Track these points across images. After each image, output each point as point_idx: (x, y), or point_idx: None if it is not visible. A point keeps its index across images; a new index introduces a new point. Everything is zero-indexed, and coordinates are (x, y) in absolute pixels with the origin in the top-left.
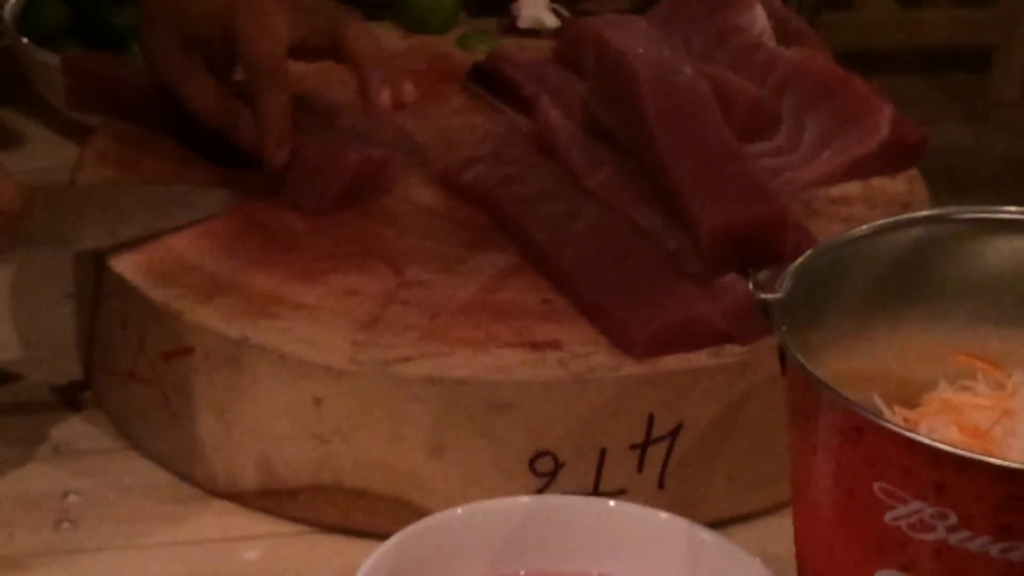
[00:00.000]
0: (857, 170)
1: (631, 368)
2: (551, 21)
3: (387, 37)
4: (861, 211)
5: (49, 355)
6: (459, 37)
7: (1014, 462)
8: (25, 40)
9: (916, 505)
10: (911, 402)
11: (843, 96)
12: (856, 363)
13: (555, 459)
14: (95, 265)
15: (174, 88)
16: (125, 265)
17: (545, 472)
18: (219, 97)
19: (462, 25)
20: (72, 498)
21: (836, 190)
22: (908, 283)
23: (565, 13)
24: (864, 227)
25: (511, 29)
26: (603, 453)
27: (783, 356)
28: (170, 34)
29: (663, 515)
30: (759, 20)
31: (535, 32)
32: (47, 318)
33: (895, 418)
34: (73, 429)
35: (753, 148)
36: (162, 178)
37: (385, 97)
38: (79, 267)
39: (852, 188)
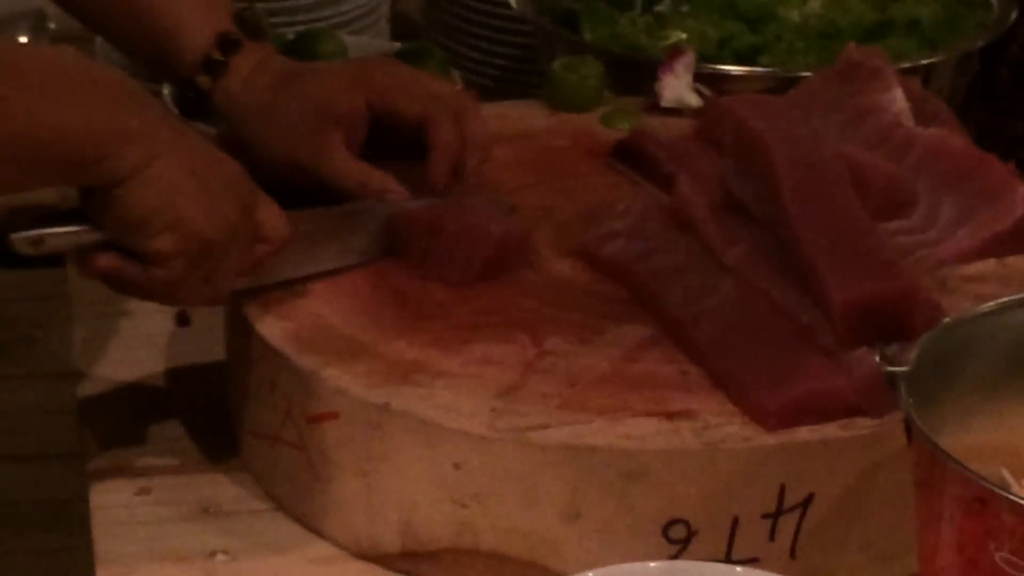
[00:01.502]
0: (992, 248)
1: (764, 439)
2: (693, 100)
3: (533, 114)
4: (995, 289)
5: (202, 423)
6: (603, 115)
7: None
8: None
9: None
10: None
11: (979, 176)
12: (984, 437)
13: (688, 527)
14: (245, 331)
15: (309, 166)
16: (273, 332)
17: (678, 539)
18: (360, 166)
19: (606, 104)
20: (220, 557)
21: (971, 268)
22: None
23: (707, 93)
24: (992, 303)
25: (654, 108)
26: (735, 522)
27: (909, 428)
28: (301, 116)
29: None
30: (898, 101)
31: (677, 111)
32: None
33: (1022, 492)
34: (222, 490)
35: (889, 226)
36: None
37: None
38: (230, 333)
39: (987, 266)
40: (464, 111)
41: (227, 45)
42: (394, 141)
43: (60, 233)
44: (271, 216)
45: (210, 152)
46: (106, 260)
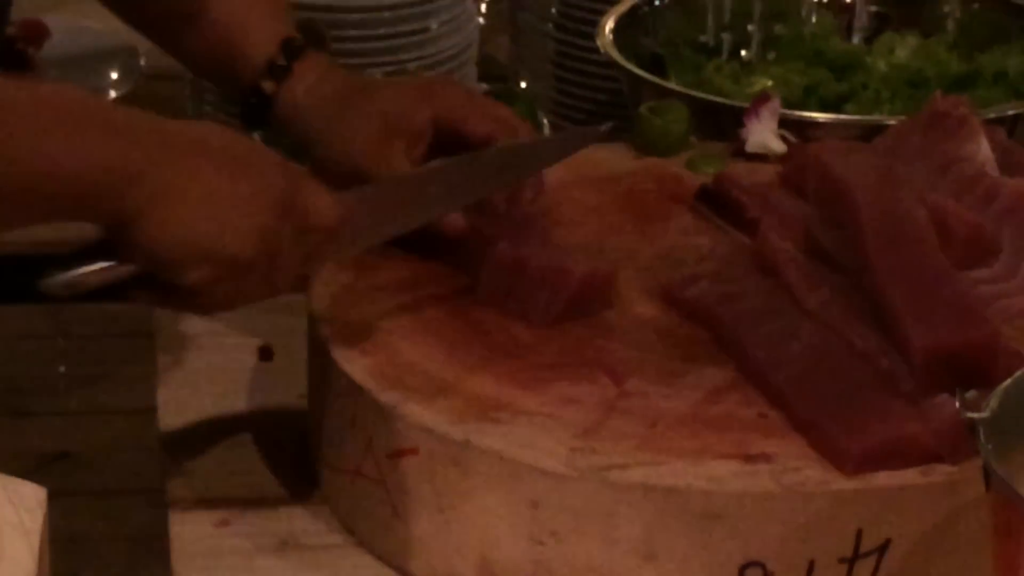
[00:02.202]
0: None
1: (842, 483)
2: (778, 147)
3: (619, 157)
4: None
5: (283, 456)
6: (688, 159)
7: None
8: None
9: None
10: None
11: None
12: None
13: (764, 569)
14: (327, 366)
15: (370, 174)
16: (355, 367)
17: None
18: None
19: (692, 148)
20: None
21: None
22: None
23: (792, 139)
24: None
25: (739, 153)
26: (811, 565)
27: (988, 475)
28: (369, 126)
29: None
30: (983, 150)
31: (762, 157)
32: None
33: None
34: (301, 523)
35: (972, 275)
36: (398, 281)
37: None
38: (312, 368)
39: None
40: (525, 138)
41: (291, 51)
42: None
43: (90, 273)
44: (317, 203)
45: (233, 160)
46: (146, 297)
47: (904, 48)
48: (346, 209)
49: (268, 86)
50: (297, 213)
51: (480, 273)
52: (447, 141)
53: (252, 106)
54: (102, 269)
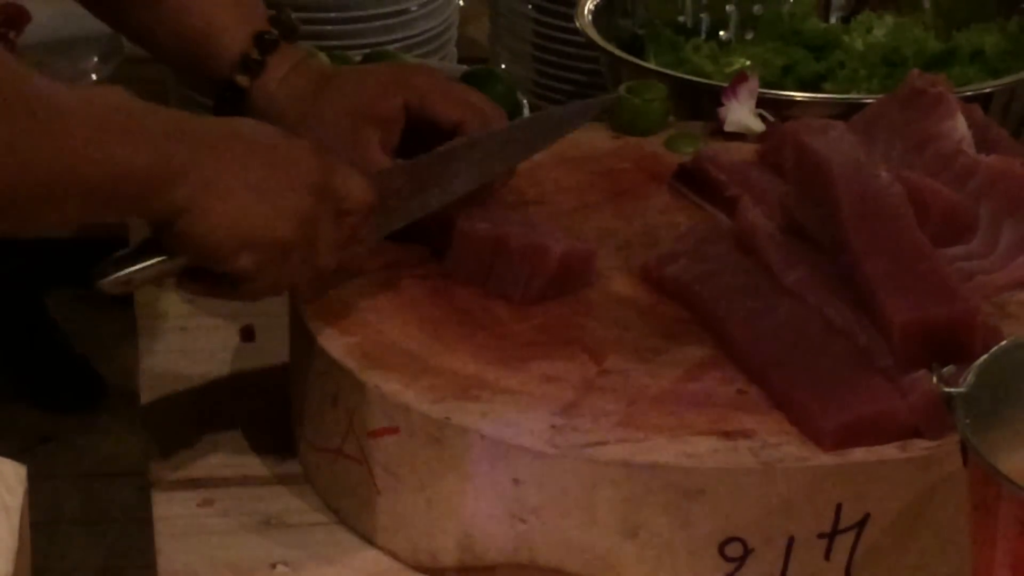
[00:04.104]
0: None
1: (821, 459)
2: (756, 126)
3: (598, 137)
4: None
5: (265, 436)
6: (667, 139)
7: None
8: None
9: None
10: None
11: None
12: None
13: (744, 545)
14: (308, 346)
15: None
16: (336, 347)
17: (734, 557)
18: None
19: (670, 128)
20: (280, 568)
21: None
22: None
23: (770, 118)
24: None
25: (717, 132)
26: (791, 540)
27: (965, 449)
28: (340, 115)
29: None
30: (959, 128)
31: (740, 136)
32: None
33: None
34: (284, 502)
35: (949, 251)
36: (379, 262)
37: None
38: (294, 348)
39: None
40: (496, 123)
41: (264, 45)
42: (426, 144)
43: (144, 268)
44: (351, 186)
45: (269, 150)
46: (196, 288)
47: (881, 27)
48: (380, 189)
49: (242, 80)
50: (333, 196)
51: (452, 252)
52: (419, 127)
53: (225, 99)
54: (154, 264)
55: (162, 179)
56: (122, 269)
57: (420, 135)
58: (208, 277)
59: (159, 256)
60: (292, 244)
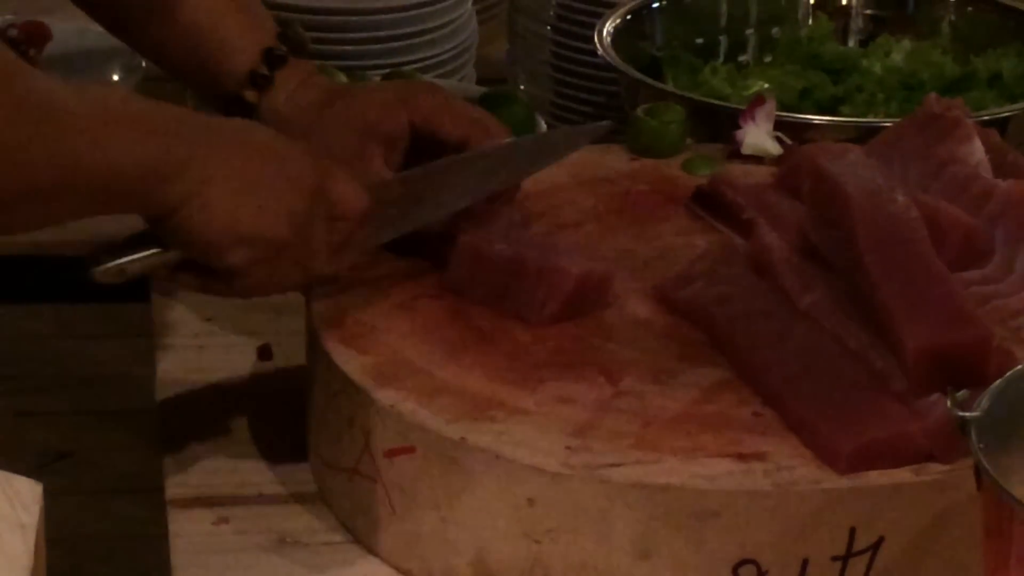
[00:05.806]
0: None
1: (835, 482)
2: (774, 148)
3: (615, 159)
4: None
5: (282, 455)
6: (684, 161)
7: None
8: None
9: None
10: None
11: None
12: None
13: (758, 567)
14: (325, 365)
15: None
16: (353, 366)
17: None
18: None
19: (688, 150)
20: None
21: None
22: None
23: (788, 141)
24: None
25: (735, 155)
26: (805, 563)
27: (979, 474)
28: (346, 131)
29: None
30: (976, 152)
31: (758, 159)
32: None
33: None
34: (299, 521)
35: (964, 276)
36: (396, 281)
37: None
38: (310, 367)
39: None
40: (500, 142)
41: (273, 60)
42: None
43: (139, 259)
44: (346, 191)
45: (267, 151)
46: (189, 281)
47: (899, 51)
48: (375, 198)
49: (250, 95)
50: (327, 200)
51: (464, 271)
52: (425, 145)
53: (233, 114)
54: (147, 256)
55: (161, 174)
56: (116, 259)
57: (426, 153)
58: (201, 271)
59: (153, 248)
60: (285, 243)
